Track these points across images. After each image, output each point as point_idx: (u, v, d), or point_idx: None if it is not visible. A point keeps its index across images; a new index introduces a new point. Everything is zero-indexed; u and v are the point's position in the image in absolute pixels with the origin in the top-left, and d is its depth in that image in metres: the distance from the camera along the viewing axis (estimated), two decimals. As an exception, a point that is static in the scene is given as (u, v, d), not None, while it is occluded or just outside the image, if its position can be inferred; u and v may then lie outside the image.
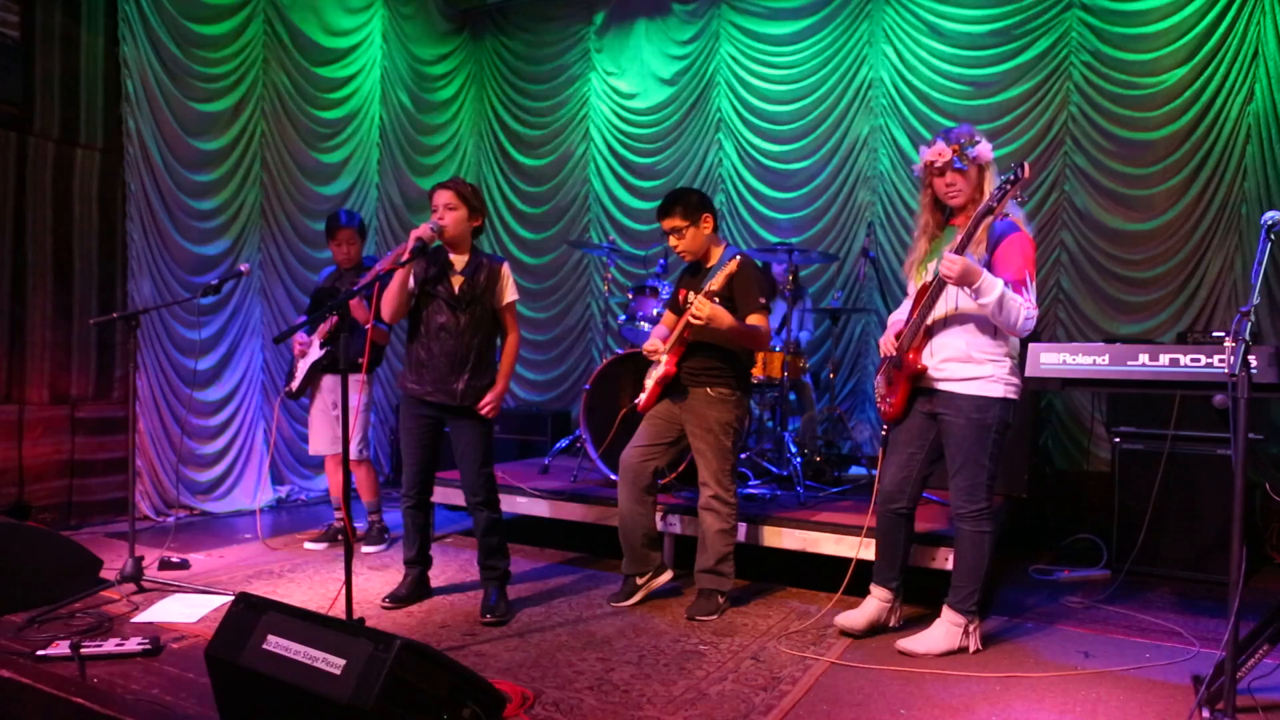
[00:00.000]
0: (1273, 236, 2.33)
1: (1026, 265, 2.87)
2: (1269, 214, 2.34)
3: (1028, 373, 2.85)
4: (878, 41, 5.93)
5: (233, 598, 2.31)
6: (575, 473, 4.71)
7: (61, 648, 2.81)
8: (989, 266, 2.87)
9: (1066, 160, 5.42)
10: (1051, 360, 2.82)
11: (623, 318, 4.83)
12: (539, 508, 4.46)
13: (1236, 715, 2.25)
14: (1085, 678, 2.91)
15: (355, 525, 4.38)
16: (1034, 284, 2.89)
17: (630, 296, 4.83)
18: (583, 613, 3.50)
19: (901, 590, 3.30)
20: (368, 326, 3.56)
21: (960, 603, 3.03)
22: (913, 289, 3.17)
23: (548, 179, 7.13)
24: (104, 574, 3.53)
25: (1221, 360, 2.50)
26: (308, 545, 4.52)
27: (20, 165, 4.57)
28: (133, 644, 2.85)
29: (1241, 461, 2.23)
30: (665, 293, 4.71)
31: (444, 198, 3.36)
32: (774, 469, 4.68)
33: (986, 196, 2.88)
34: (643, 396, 3.68)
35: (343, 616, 2.68)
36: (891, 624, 3.28)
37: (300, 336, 4.47)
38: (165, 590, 3.56)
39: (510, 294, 3.49)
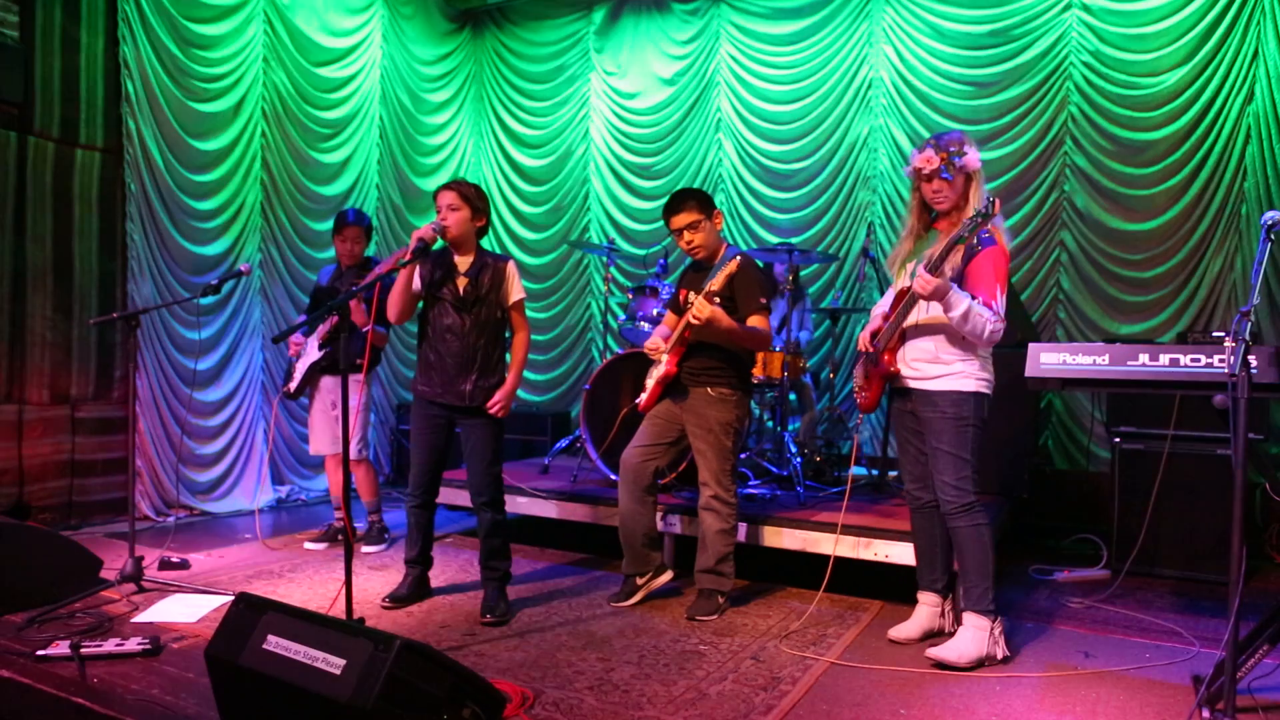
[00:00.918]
0: (1273, 236, 2.34)
1: (998, 280, 2.94)
2: (1269, 214, 2.35)
3: (1028, 372, 2.87)
4: (878, 41, 5.93)
5: (233, 598, 2.31)
6: (575, 473, 4.71)
7: (61, 648, 2.81)
8: (962, 276, 2.94)
9: (1066, 160, 5.42)
10: (1051, 360, 2.83)
11: (623, 318, 4.84)
12: (539, 508, 4.46)
13: (1236, 715, 2.24)
14: (1085, 678, 2.91)
15: (355, 525, 4.38)
16: (1003, 296, 2.95)
17: (630, 296, 4.83)
18: (583, 613, 3.50)
19: (950, 590, 3.29)
20: (366, 329, 3.56)
21: (977, 603, 3.00)
22: (896, 283, 3.23)
23: (548, 179, 7.13)
24: (104, 574, 3.53)
25: (1221, 360, 2.50)
26: (308, 545, 4.52)
27: (20, 165, 4.57)
28: (133, 644, 2.86)
29: (1241, 461, 2.23)
30: (665, 293, 4.71)
31: (447, 198, 3.36)
32: (774, 469, 4.68)
33: (972, 203, 2.97)
34: (643, 396, 3.68)
35: (343, 616, 2.68)
36: (946, 628, 3.25)
37: (296, 337, 4.47)
38: (165, 590, 3.56)
39: (517, 292, 3.49)
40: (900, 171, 5.82)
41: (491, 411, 3.40)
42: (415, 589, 3.58)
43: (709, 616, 3.45)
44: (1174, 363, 2.62)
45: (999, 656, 3.01)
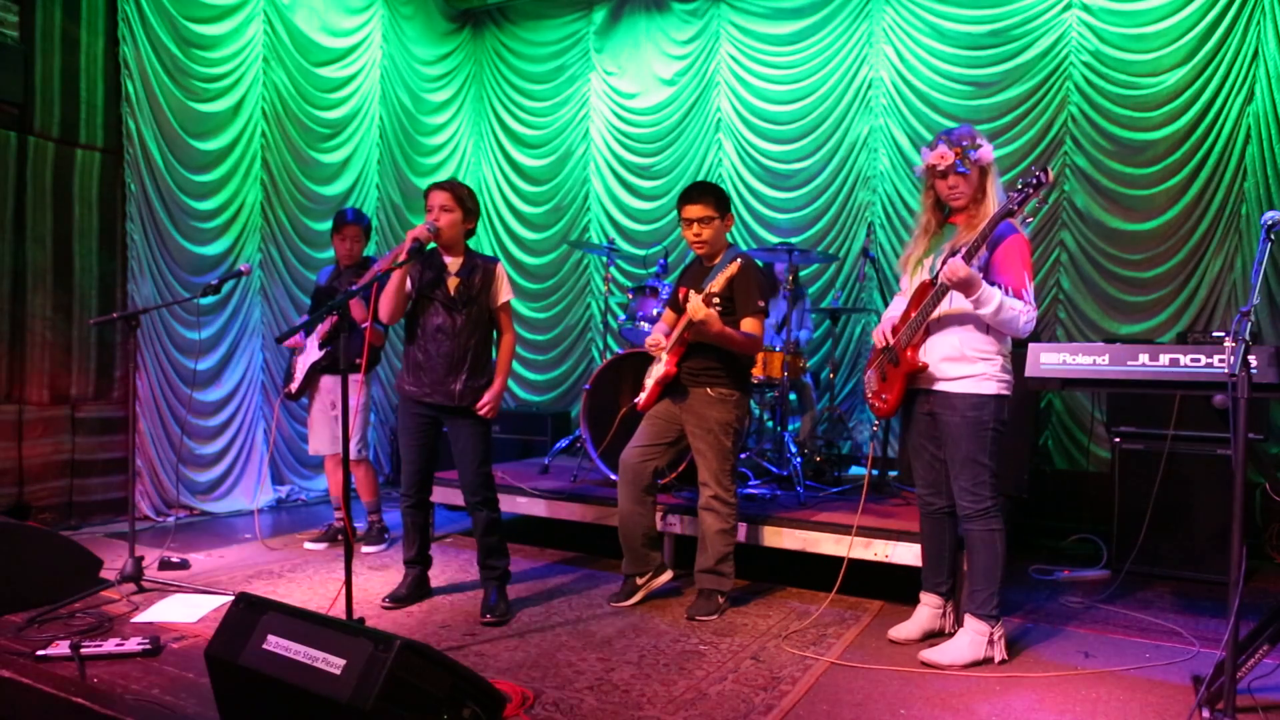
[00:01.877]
0: (1273, 236, 2.34)
1: (1025, 269, 2.90)
2: (1269, 214, 2.35)
3: (1028, 372, 2.86)
4: (878, 41, 5.93)
5: (233, 598, 2.31)
6: (575, 473, 4.71)
7: (61, 648, 2.81)
8: (988, 266, 2.89)
9: (1066, 160, 5.42)
10: (1051, 360, 2.82)
11: (623, 318, 4.83)
12: (539, 508, 4.46)
13: (1236, 715, 2.24)
14: (1085, 678, 2.91)
15: (355, 525, 4.38)
16: (1033, 284, 2.91)
17: (630, 296, 4.83)
18: (583, 613, 3.50)
19: (953, 593, 3.28)
20: (365, 325, 3.55)
21: (980, 607, 2.99)
22: (906, 284, 3.18)
23: (548, 179, 7.13)
24: (104, 574, 3.53)
25: (1221, 360, 2.50)
26: (308, 545, 4.52)
27: (20, 165, 4.56)
28: (133, 644, 2.85)
29: (1241, 461, 2.23)
30: (665, 293, 4.70)
31: (440, 199, 3.36)
32: (774, 469, 4.68)
33: (990, 196, 2.92)
34: (643, 396, 3.68)
35: (343, 616, 2.68)
36: (947, 629, 3.25)
37: (298, 336, 4.47)
38: (165, 590, 3.56)
39: (505, 294, 3.49)
40: (900, 171, 5.82)
41: (481, 413, 3.40)
42: (415, 589, 3.58)
43: (709, 616, 3.45)
44: (1174, 363, 2.62)
45: (997, 660, 3.00)
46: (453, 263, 3.42)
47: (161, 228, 5.11)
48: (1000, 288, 2.84)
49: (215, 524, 5.09)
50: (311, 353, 4.46)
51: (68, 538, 3.56)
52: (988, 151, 2.94)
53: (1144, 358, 2.68)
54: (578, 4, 6.97)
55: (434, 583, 3.73)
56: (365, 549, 4.45)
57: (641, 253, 6.25)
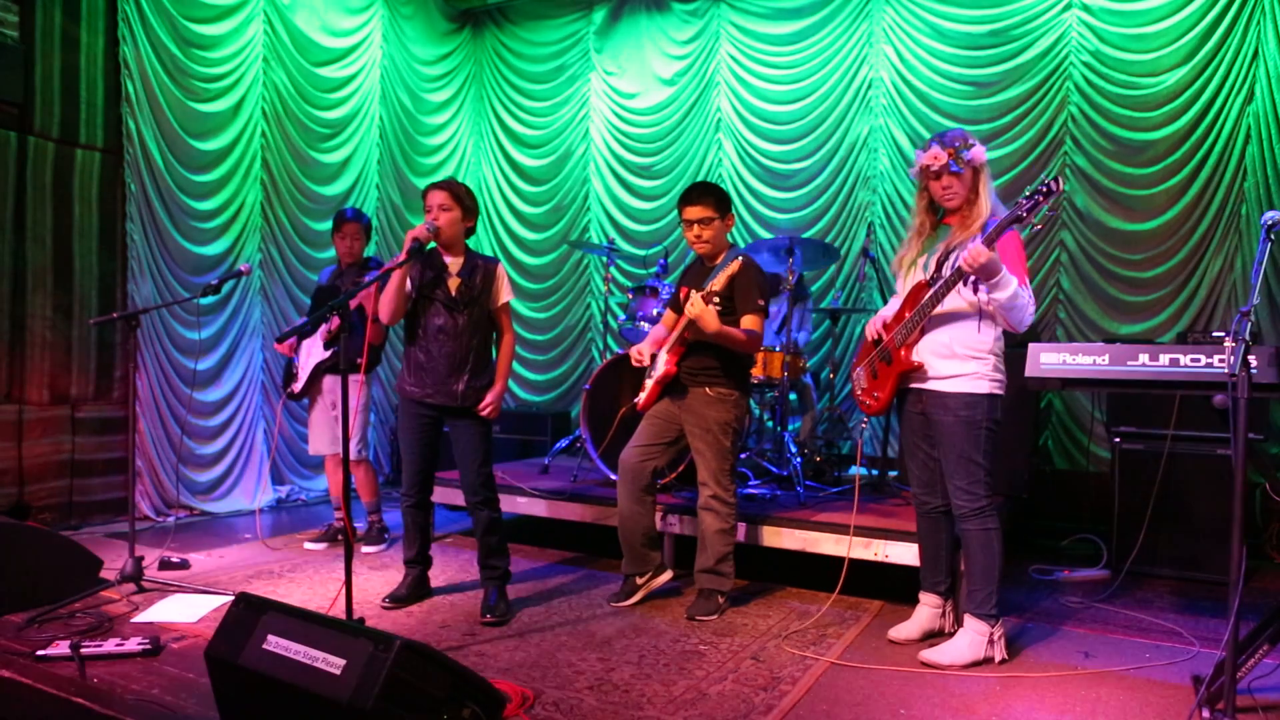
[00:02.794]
0: (1273, 236, 2.34)
1: (1022, 265, 2.93)
2: (1269, 214, 2.35)
3: (1028, 372, 2.86)
4: (877, 41, 5.93)
5: (233, 598, 2.31)
6: (575, 473, 4.71)
7: (61, 648, 2.81)
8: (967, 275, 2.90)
9: (1066, 160, 5.42)
10: (1051, 360, 2.82)
11: (623, 318, 4.83)
12: (539, 508, 4.46)
13: (1236, 715, 2.24)
14: (1085, 678, 2.91)
15: (355, 525, 4.38)
16: (1029, 280, 2.95)
17: (630, 296, 4.83)
18: (583, 613, 3.50)
19: (952, 592, 3.29)
20: (368, 325, 3.53)
21: (979, 607, 3.00)
22: (901, 285, 3.19)
23: (548, 179, 7.13)
24: (104, 574, 3.53)
25: (1221, 360, 2.50)
26: (308, 545, 4.52)
27: (20, 165, 4.56)
28: (133, 644, 2.86)
29: (1241, 461, 2.23)
30: (665, 293, 4.70)
31: (438, 198, 3.36)
32: (774, 469, 4.68)
33: (982, 197, 2.95)
34: (642, 396, 3.68)
35: (343, 616, 2.68)
36: (947, 629, 3.25)
37: (287, 345, 4.47)
38: (165, 590, 3.56)
39: (505, 294, 3.49)
40: (900, 171, 5.82)
41: (483, 414, 3.40)
42: (415, 589, 3.58)
43: (709, 616, 3.45)
44: (1174, 363, 2.62)
45: (997, 659, 3.01)
46: (453, 263, 3.42)
47: (161, 228, 5.11)
48: None
49: (215, 524, 5.10)
50: (316, 353, 4.46)
51: (68, 538, 3.56)
52: (980, 152, 2.96)
53: (1144, 358, 2.68)
54: (578, 4, 6.97)
55: (434, 583, 3.73)
56: (365, 549, 4.45)
57: (641, 253, 6.25)
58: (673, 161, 6.64)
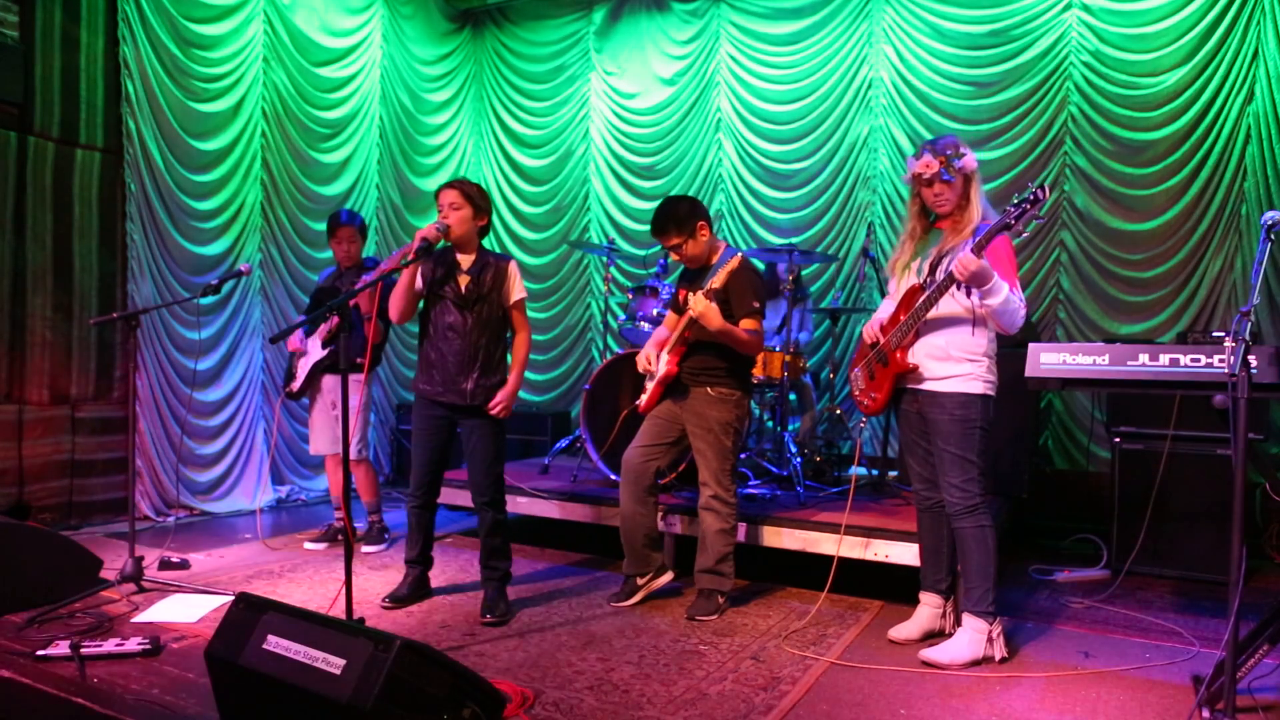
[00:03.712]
0: (1273, 236, 2.34)
1: (1013, 269, 2.97)
2: (1269, 214, 2.35)
3: (1028, 372, 2.87)
4: (878, 41, 5.93)
5: (233, 598, 2.31)
6: (575, 473, 4.71)
7: (61, 648, 2.81)
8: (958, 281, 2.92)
9: (1066, 160, 5.42)
10: (1051, 360, 2.83)
11: (623, 318, 4.83)
12: (539, 508, 4.46)
13: (1236, 715, 2.25)
14: (1085, 678, 2.91)
15: (355, 525, 4.38)
16: (1019, 284, 2.99)
17: (630, 296, 4.83)
18: (583, 613, 3.50)
19: (953, 592, 3.29)
20: (368, 318, 3.54)
21: (976, 604, 3.01)
22: (894, 287, 3.23)
23: (548, 179, 7.13)
24: (104, 574, 3.53)
25: (1221, 360, 2.50)
26: (308, 545, 4.52)
27: (20, 165, 4.56)
28: (133, 644, 2.86)
29: (1241, 461, 2.23)
30: (665, 293, 4.70)
31: (449, 197, 3.36)
32: (774, 469, 4.68)
33: (974, 203, 2.99)
34: (644, 397, 3.68)
35: (343, 616, 2.68)
36: (947, 629, 3.25)
37: (296, 338, 4.47)
38: (165, 590, 3.56)
39: (518, 292, 3.48)
40: (900, 171, 5.81)
41: (493, 412, 3.40)
42: (415, 589, 3.58)
43: (709, 616, 3.45)
44: (1174, 363, 2.62)
45: (997, 658, 3.01)
46: (465, 260, 3.42)
47: (161, 228, 5.11)
48: None
49: (215, 524, 5.09)
50: (314, 352, 4.46)
51: (68, 538, 3.56)
52: (971, 160, 3.00)
53: (1144, 358, 2.68)
54: (578, 4, 6.97)
55: (434, 583, 3.73)
56: (365, 549, 4.45)
57: (641, 253, 6.26)
58: (673, 161, 6.64)
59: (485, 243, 3.53)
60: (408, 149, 6.73)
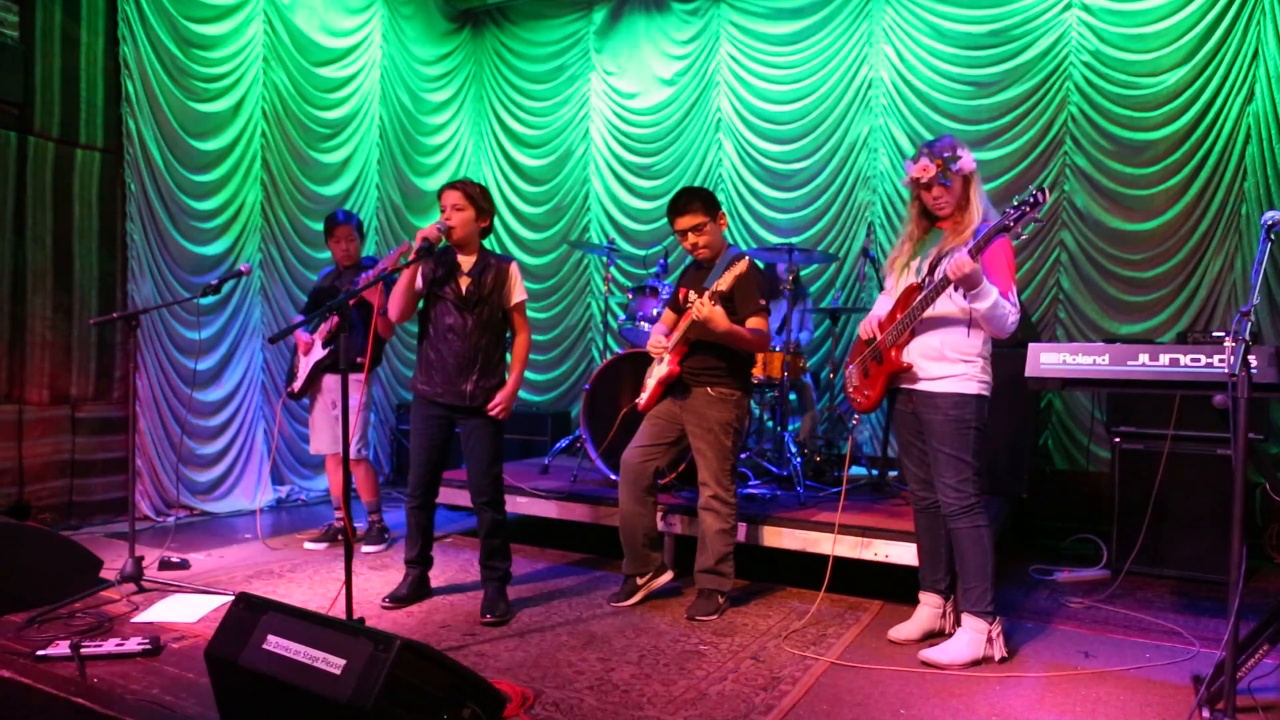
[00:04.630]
0: (1273, 236, 2.34)
1: (1010, 273, 2.99)
2: (1269, 214, 2.35)
3: (1028, 372, 2.87)
4: (877, 41, 5.93)
5: (233, 598, 2.31)
6: (575, 473, 4.71)
7: (61, 648, 2.81)
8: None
9: (1066, 160, 5.42)
10: (1051, 360, 2.82)
11: (623, 318, 4.83)
12: (539, 508, 4.46)
13: (1236, 715, 2.24)
14: (1085, 678, 2.91)
15: (355, 525, 4.38)
16: (1015, 288, 3.01)
17: (630, 296, 4.84)
18: (583, 613, 3.50)
19: (952, 591, 3.29)
20: (372, 323, 3.52)
21: (975, 604, 3.01)
22: (892, 285, 3.24)
23: (548, 179, 7.13)
24: (104, 574, 3.53)
25: (1221, 360, 2.50)
26: (308, 545, 4.52)
27: (20, 165, 4.56)
28: (133, 644, 2.86)
29: (1241, 461, 2.23)
30: (665, 293, 4.71)
31: (452, 198, 3.36)
32: (774, 469, 4.68)
33: (974, 204, 3.00)
34: (644, 396, 3.68)
35: (343, 616, 2.68)
36: (947, 629, 3.26)
37: (303, 335, 4.47)
38: (165, 590, 3.56)
39: (518, 294, 3.48)
40: (900, 171, 5.81)
41: (492, 413, 3.40)
42: (415, 589, 3.58)
43: (709, 616, 3.45)
44: (1174, 363, 2.62)
45: (997, 658, 3.01)
46: (466, 262, 3.42)
47: (161, 228, 5.11)
48: None
49: (215, 524, 5.09)
50: (316, 352, 4.46)
51: (68, 538, 3.56)
52: (969, 161, 3.01)
53: (1144, 358, 2.68)
54: (578, 4, 6.97)
55: (434, 583, 3.73)
56: (365, 549, 4.45)
57: (641, 253, 6.26)
58: (673, 161, 6.64)
59: (485, 243, 3.53)
60: (408, 149, 6.74)
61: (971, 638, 3.00)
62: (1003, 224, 2.77)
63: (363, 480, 4.56)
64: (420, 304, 3.48)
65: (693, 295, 3.37)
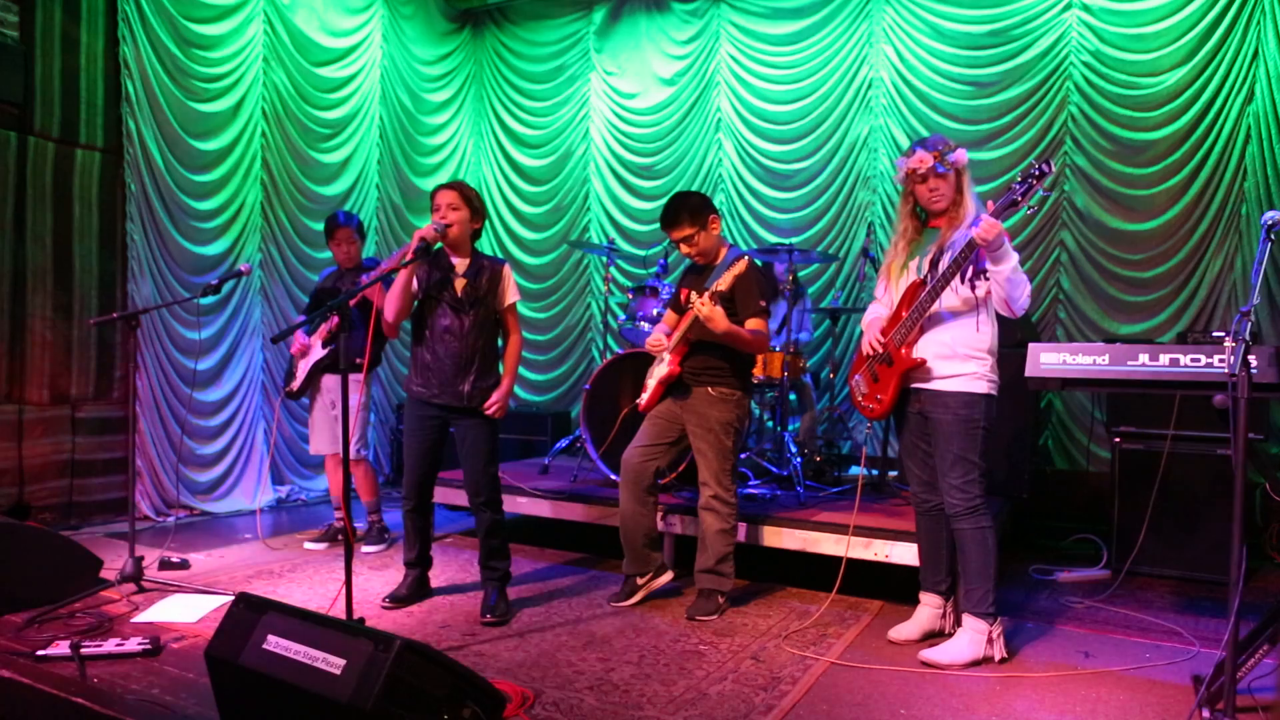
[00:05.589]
0: (1273, 236, 2.34)
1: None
2: (1269, 214, 2.35)
3: (1028, 372, 2.88)
4: (878, 41, 5.94)
5: (233, 598, 2.31)
6: (575, 473, 4.71)
7: (61, 648, 2.81)
8: (976, 250, 2.90)
9: (1066, 160, 5.42)
10: (1051, 360, 2.83)
11: (623, 318, 4.83)
12: (539, 508, 4.46)
13: (1236, 715, 2.25)
14: (1085, 678, 2.91)
15: (355, 525, 4.38)
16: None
17: (630, 296, 4.83)
18: (583, 613, 3.50)
19: (953, 592, 3.29)
20: (372, 323, 3.50)
21: (976, 605, 3.01)
22: (882, 290, 3.24)
23: (548, 179, 7.13)
24: (104, 574, 3.53)
25: (1221, 360, 2.50)
26: (308, 545, 4.52)
27: (20, 165, 4.56)
28: (133, 644, 2.85)
29: (1241, 461, 2.23)
30: (665, 293, 4.71)
31: (447, 198, 3.36)
32: (774, 469, 4.68)
33: (966, 198, 3.01)
34: (644, 396, 3.68)
35: (343, 616, 2.68)
36: (947, 630, 3.25)
37: (300, 337, 4.47)
38: (165, 590, 3.56)
39: (511, 295, 3.49)
40: (901, 171, 5.81)
41: (489, 413, 3.40)
42: (415, 589, 3.58)
43: (709, 616, 3.45)
44: (1174, 363, 2.62)
45: (997, 659, 3.01)
46: (460, 264, 3.42)
47: (161, 228, 5.11)
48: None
49: (215, 524, 5.09)
50: (315, 352, 4.46)
51: (68, 538, 3.56)
52: (963, 155, 3.02)
53: (1144, 358, 2.68)
54: (578, 4, 6.97)
55: (434, 583, 3.73)
56: (365, 549, 4.45)
57: (641, 253, 6.25)
58: (673, 161, 6.64)
59: (483, 243, 3.54)
60: (408, 149, 6.74)
61: (972, 638, 3.00)
62: (1011, 199, 2.78)
63: (362, 480, 4.56)
64: (415, 305, 3.48)
65: (694, 296, 3.37)
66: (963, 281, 2.96)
